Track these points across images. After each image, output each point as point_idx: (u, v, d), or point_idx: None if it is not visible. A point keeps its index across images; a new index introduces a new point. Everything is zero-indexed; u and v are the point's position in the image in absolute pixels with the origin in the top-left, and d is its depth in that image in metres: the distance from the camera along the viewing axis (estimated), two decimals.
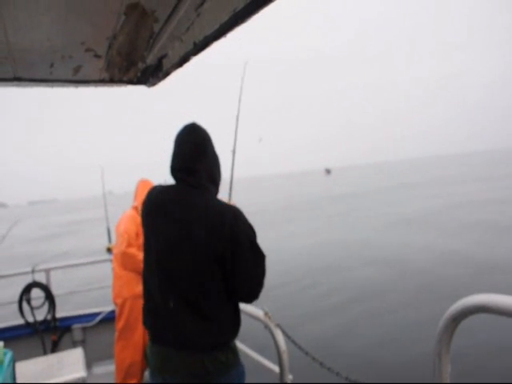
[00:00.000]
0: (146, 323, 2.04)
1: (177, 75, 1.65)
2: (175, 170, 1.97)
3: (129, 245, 3.68)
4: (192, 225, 1.85)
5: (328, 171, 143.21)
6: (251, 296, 1.96)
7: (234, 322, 1.97)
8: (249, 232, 1.90)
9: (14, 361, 2.61)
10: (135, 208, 3.88)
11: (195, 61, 1.42)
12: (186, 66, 1.49)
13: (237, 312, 2.01)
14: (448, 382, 1.73)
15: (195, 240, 1.84)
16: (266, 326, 2.55)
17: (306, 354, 2.71)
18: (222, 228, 1.82)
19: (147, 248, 2.04)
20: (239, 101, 2.96)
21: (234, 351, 1.99)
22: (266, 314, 2.58)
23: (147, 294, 2.04)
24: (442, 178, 49.03)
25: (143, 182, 4.01)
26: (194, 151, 1.94)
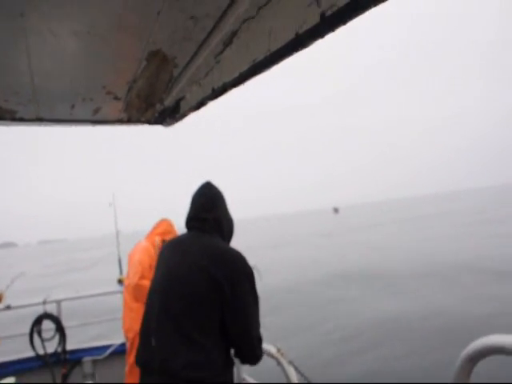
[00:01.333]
0: (137, 359, 2.02)
1: (193, 117, 1.69)
2: (188, 219, 2.20)
3: (142, 277, 3.67)
4: (195, 255, 1.98)
5: (336, 210, 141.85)
6: (246, 340, 1.96)
7: (225, 362, 1.93)
8: (250, 274, 2.00)
9: None
10: (150, 240, 3.91)
11: (212, 104, 1.46)
12: (203, 109, 1.53)
13: (229, 356, 1.99)
14: None
15: (197, 267, 1.93)
16: (279, 363, 2.53)
17: None
18: (223, 261, 1.96)
19: (154, 279, 2.16)
20: None
21: None
22: (278, 350, 2.56)
23: (144, 325, 2.05)
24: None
25: (165, 220, 4.09)
26: (206, 203, 2.18)
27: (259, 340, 2.01)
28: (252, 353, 2.01)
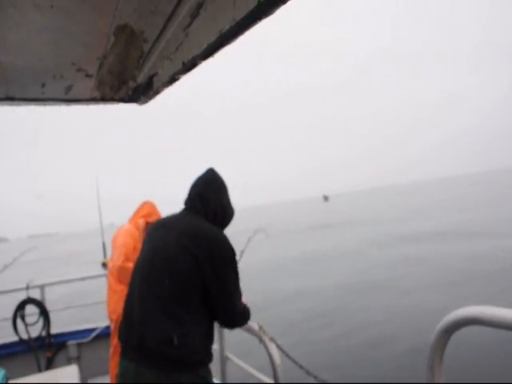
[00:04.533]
0: (119, 336, 2.06)
1: (167, 93, 1.68)
2: (187, 198, 2.24)
3: (126, 259, 3.67)
4: (177, 234, 2.02)
5: (326, 198, 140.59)
6: (229, 314, 2.05)
7: (204, 339, 1.98)
8: (230, 252, 2.05)
9: (7, 379, 2.60)
10: (134, 223, 3.90)
11: (184, 79, 1.45)
12: (176, 84, 1.51)
13: (210, 332, 2.04)
14: None
15: (178, 246, 1.97)
16: (261, 340, 2.55)
17: (301, 367, 2.70)
18: (204, 241, 1.98)
19: (137, 258, 2.18)
20: None
21: (205, 377, 1.96)
22: (260, 327, 2.57)
23: (127, 304, 2.07)
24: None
25: (147, 203, 4.07)
26: (204, 188, 2.22)
27: (242, 311, 2.12)
28: (234, 322, 2.12)
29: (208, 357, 2.00)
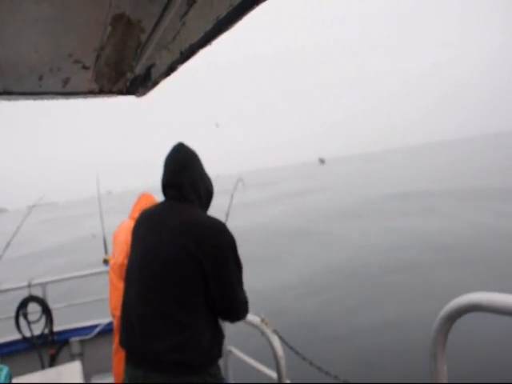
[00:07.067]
0: (121, 342, 1.99)
1: (165, 84, 1.67)
2: (163, 186, 2.11)
3: (127, 256, 3.66)
4: (174, 231, 1.91)
5: (322, 161, 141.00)
6: (232, 308, 1.97)
7: (212, 339, 1.91)
8: (230, 242, 1.95)
9: (10, 376, 2.60)
10: (133, 218, 3.89)
11: (182, 69, 1.44)
12: (174, 74, 1.51)
13: (217, 331, 1.97)
14: (445, 382, 1.73)
15: (176, 245, 1.87)
16: (263, 333, 2.55)
17: (304, 359, 2.71)
18: (202, 235, 1.88)
19: (129, 259, 2.10)
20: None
21: (215, 375, 1.91)
22: (262, 320, 2.58)
23: (124, 307, 2.01)
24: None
25: (144, 195, 4.03)
26: (178, 166, 2.08)
27: (245, 302, 2.05)
28: (238, 316, 2.04)
29: (218, 354, 1.96)
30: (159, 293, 1.86)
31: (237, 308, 1.99)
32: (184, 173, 2.07)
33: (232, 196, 3.63)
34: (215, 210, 2.23)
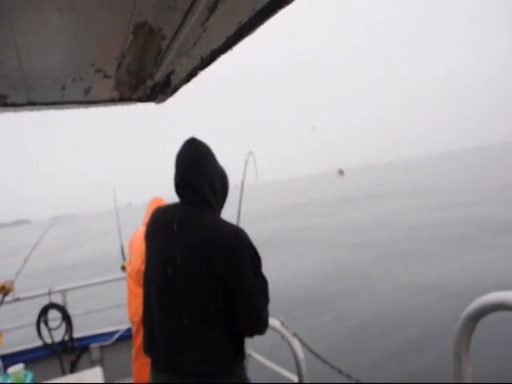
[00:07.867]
0: (146, 349, 1.98)
1: (184, 91, 1.68)
2: (177, 186, 1.99)
3: (143, 262, 3.69)
4: (192, 244, 1.84)
5: (341, 172, 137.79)
6: (251, 323, 1.88)
7: (236, 349, 1.88)
8: (251, 254, 1.87)
9: (34, 382, 2.64)
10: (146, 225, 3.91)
11: (202, 75, 1.46)
12: (194, 80, 1.52)
13: (240, 340, 1.93)
14: (470, 382, 1.72)
15: (195, 259, 1.81)
16: (283, 336, 2.55)
17: (325, 362, 2.70)
18: (223, 247, 1.79)
19: (147, 268, 2.04)
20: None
21: (240, 377, 1.89)
22: (282, 323, 2.58)
23: (146, 317, 1.99)
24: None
25: (156, 199, 4.04)
26: (193, 164, 1.95)
27: (266, 321, 1.93)
28: (258, 333, 1.94)
29: (242, 358, 1.94)
30: (182, 309, 1.82)
31: (257, 326, 1.90)
32: (199, 170, 1.94)
33: (242, 184, 3.74)
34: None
